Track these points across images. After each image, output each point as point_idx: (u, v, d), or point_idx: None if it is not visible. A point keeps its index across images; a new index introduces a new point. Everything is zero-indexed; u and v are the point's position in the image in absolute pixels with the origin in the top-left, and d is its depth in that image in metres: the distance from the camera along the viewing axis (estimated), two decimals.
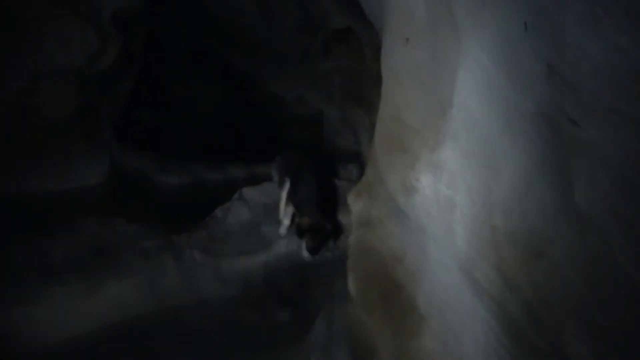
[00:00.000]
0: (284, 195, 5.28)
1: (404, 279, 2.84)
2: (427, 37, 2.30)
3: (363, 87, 7.51)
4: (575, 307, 1.07)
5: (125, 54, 6.41)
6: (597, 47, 1.03)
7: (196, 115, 9.66)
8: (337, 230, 5.01)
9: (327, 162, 6.30)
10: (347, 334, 3.53)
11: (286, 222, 5.18)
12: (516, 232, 1.35)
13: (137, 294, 4.35)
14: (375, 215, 3.46)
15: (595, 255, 1.04)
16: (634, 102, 0.96)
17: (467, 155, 1.70)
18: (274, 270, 4.96)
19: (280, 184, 5.46)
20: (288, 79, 8.34)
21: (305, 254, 4.85)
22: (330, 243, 4.97)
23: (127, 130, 7.99)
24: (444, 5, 2.05)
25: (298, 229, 4.87)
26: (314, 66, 8.15)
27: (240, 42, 7.76)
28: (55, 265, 4.16)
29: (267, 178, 6.95)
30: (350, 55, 7.68)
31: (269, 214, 5.72)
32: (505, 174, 1.43)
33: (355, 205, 3.80)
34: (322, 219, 4.83)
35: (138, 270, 4.40)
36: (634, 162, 0.94)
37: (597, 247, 1.03)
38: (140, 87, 7.63)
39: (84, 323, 4.11)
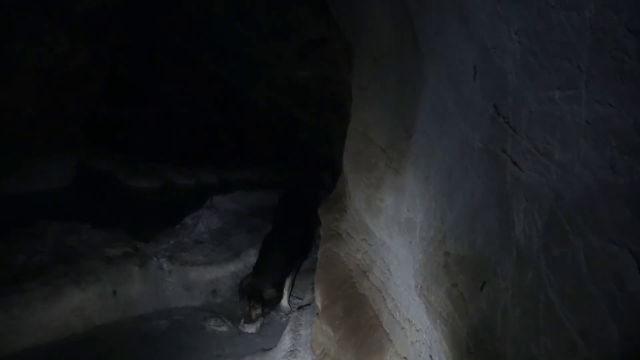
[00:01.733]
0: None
1: (369, 293, 2.88)
2: (394, 59, 2.36)
3: (338, 94, 7.56)
4: (513, 336, 1.12)
5: (96, 54, 6.28)
6: (533, 97, 1.10)
7: (168, 115, 9.53)
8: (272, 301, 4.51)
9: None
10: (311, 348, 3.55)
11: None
12: (465, 259, 1.40)
13: (100, 302, 4.26)
14: (344, 229, 3.50)
15: (532, 289, 1.09)
16: (563, 149, 1.02)
17: (426, 179, 1.75)
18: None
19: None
20: (262, 83, 8.33)
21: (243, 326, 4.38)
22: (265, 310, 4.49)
23: (96, 131, 7.83)
24: (408, 29, 2.11)
25: (239, 289, 4.56)
26: (289, 72, 8.17)
27: (215, 45, 7.71)
28: (14, 273, 4.03)
29: (238, 185, 6.93)
30: (325, 62, 7.72)
31: (239, 222, 5.70)
32: (457, 201, 1.48)
33: (325, 218, 3.83)
34: (262, 284, 4.38)
35: (102, 277, 4.30)
36: (562, 205, 1.01)
37: (534, 282, 1.09)
38: (110, 86, 7.49)
39: (43, 333, 3.99)
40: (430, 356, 1.89)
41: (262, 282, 4.36)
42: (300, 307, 4.29)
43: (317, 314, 3.46)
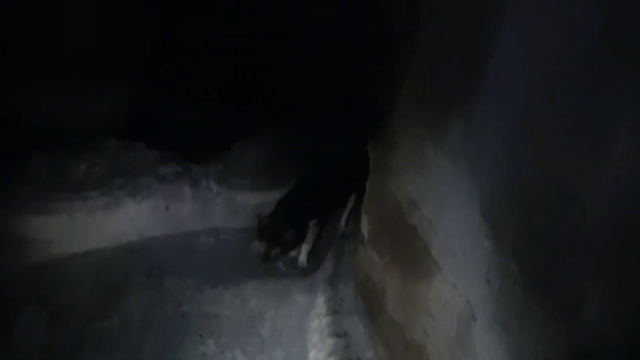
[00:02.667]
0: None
1: (419, 225, 2.91)
2: None
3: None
4: (599, 257, 1.12)
5: None
6: None
7: (218, 56, 9.44)
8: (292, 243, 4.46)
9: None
10: (354, 272, 3.67)
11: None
12: (547, 182, 1.37)
13: (153, 216, 4.51)
14: (395, 162, 3.48)
15: (627, 206, 1.07)
16: None
17: (500, 109, 1.70)
18: None
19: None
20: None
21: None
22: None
23: (150, 63, 7.90)
24: None
25: (257, 228, 4.54)
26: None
27: None
28: (77, 181, 4.29)
29: (285, 120, 6.93)
30: None
31: (283, 154, 5.77)
32: (541, 127, 1.43)
33: (376, 151, 3.82)
34: (282, 226, 4.39)
35: (156, 193, 4.52)
36: None
37: (629, 199, 1.06)
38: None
39: (103, 239, 4.30)
40: (488, 281, 1.92)
41: (282, 222, 4.34)
42: (343, 236, 4.39)
43: (362, 242, 3.55)
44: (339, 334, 3.26)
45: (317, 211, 4.66)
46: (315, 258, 4.57)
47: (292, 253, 4.54)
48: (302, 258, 4.44)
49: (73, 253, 4.16)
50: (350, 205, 4.59)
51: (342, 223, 4.66)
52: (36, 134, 4.84)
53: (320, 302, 3.64)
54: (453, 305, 2.36)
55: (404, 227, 3.07)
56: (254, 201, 4.94)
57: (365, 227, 3.39)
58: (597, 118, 1.19)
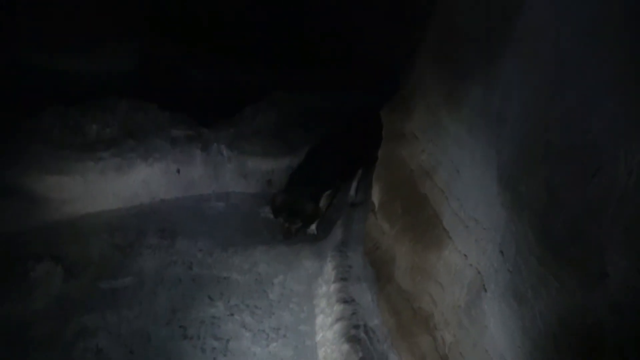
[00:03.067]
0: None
1: (431, 194, 2.86)
2: None
3: None
4: (626, 225, 1.06)
5: None
6: None
7: (230, 12, 9.23)
8: (313, 216, 4.35)
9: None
10: (363, 240, 3.66)
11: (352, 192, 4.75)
12: (573, 147, 1.30)
13: (164, 179, 4.53)
14: (409, 129, 3.40)
15: None
16: None
17: (529, 65, 1.60)
18: None
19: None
20: None
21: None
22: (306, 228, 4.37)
23: (159, 23, 7.78)
24: None
25: (272, 207, 4.35)
26: None
27: None
28: (89, 141, 4.29)
29: (298, 85, 6.82)
30: None
31: (296, 119, 5.70)
32: (572, 88, 1.35)
33: (389, 118, 3.72)
34: (300, 200, 4.22)
35: (167, 156, 4.52)
36: None
37: None
38: None
39: (115, 200, 4.34)
40: (501, 251, 1.87)
41: (301, 197, 4.19)
42: (352, 205, 4.37)
43: (373, 210, 3.52)
44: (347, 300, 3.27)
45: (330, 182, 4.59)
46: (325, 226, 4.57)
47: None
48: (313, 227, 4.43)
49: (86, 213, 4.21)
50: (360, 173, 4.54)
51: (352, 191, 4.63)
52: (47, 93, 4.84)
53: (329, 269, 3.65)
54: (463, 275, 2.34)
55: (416, 196, 3.02)
56: (265, 167, 4.93)
57: (376, 196, 3.35)
58: (638, 76, 1.09)
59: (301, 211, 4.17)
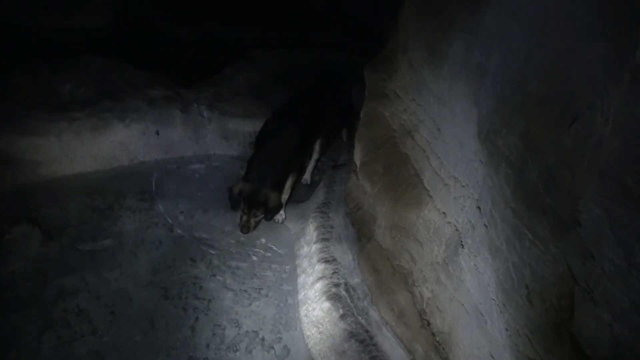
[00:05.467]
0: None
1: (412, 153, 2.84)
2: None
3: None
4: (602, 169, 1.05)
5: None
6: None
7: None
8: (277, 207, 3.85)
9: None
10: (345, 201, 3.65)
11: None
12: (551, 97, 1.27)
13: (143, 140, 4.41)
14: (392, 89, 3.34)
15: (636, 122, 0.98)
16: None
17: (511, 14, 1.55)
18: None
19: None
20: None
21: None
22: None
23: None
24: None
25: (230, 197, 3.80)
26: None
27: None
28: (62, 101, 4.14)
29: (279, 43, 6.64)
30: None
31: (277, 79, 5.57)
32: (552, 35, 1.31)
33: (371, 77, 3.65)
34: (262, 191, 3.68)
35: (145, 117, 4.39)
36: None
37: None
38: None
39: (93, 162, 4.23)
40: (479, 207, 1.87)
41: (262, 187, 3.65)
42: (335, 166, 4.34)
43: (354, 170, 3.49)
44: (328, 259, 3.29)
45: (294, 163, 4.01)
46: (307, 189, 4.54)
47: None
48: (281, 216, 4.05)
49: (63, 175, 4.10)
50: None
51: (307, 175, 4.47)
52: (17, 49, 4.62)
53: (311, 230, 3.65)
54: (441, 232, 2.35)
55: (397, 155, 3.00)
56: (247, 128, 4.83)
57: (357, 156, 3.32)
58: (622, 22, 1.05)
59: (263, 203, 3.67)
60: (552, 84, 1.29)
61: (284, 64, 5.85)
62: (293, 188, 4.16)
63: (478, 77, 1.80)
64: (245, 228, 3.75)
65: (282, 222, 4.05)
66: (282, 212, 4.05)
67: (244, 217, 3.74)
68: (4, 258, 3.24)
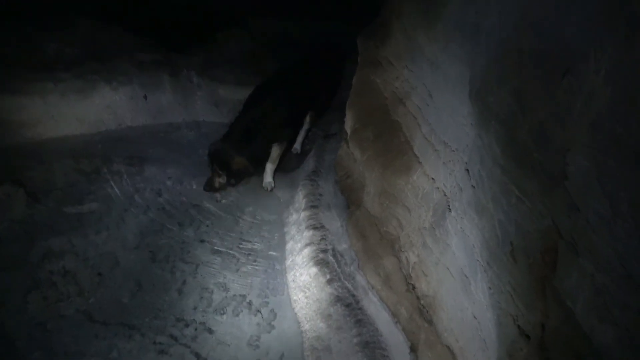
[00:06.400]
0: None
1: (403, 120, 2.82)
2: None
3: None
4: (594, 120, 1.04)
5: None
6: None
7: None
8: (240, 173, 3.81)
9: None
10: (335, 169, 3.65)
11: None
12: (546, 51, 1.26)
13: (131, 104, 4.33)
14: (384, 55, 3.30)
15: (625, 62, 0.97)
16: None
17: None
18: None
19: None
20: None
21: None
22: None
23: None
24: None
25: (208, 154, 3.78)
26: None
27: None
28: (48, 61, 4.02)
29: (275, 11, 6.49)
30: None
31: (270, 47, 5.47)
32: None
33: (365, 45, 3.59)
34: (229, 153, 3.68)
35: (133, 80, 4.31)
36: None
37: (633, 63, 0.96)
38: None
39: (79, 125, 4.15)
40: (467, 170, 1.87)
41: (231, 149, 3.65)
42: (326, 136, 4.31)
43: (345, 139, 3.47)
44: (316, 226, 3.30)
45: (281, 133, 3.95)
46: (299, 158, 4.52)
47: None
48: (269, 178, 4.04)
49: (48, 137, 4.03)
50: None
51: (297, 145, 4.41)
52: (1, 7, 4.45)
53: (300, 197, 3.65)
54: (430, 197, 2.36)
55: (388, 122, 2.98)
56: (237, 96, 4.75)
57: (348, 124, 3.30)
58: None
59: (226, 164, 3.66)
60: (547, 40, 1.28)
61: (277, 34, 5.73)
62: (282, 157, 4.12)
63: (472, 36, 1.77)
64: (208, 185, 3.73)
65: (271, 190, 4.04)
66: (270, 180, 4.04)
67: (210, 175, 3.74)
68: None
